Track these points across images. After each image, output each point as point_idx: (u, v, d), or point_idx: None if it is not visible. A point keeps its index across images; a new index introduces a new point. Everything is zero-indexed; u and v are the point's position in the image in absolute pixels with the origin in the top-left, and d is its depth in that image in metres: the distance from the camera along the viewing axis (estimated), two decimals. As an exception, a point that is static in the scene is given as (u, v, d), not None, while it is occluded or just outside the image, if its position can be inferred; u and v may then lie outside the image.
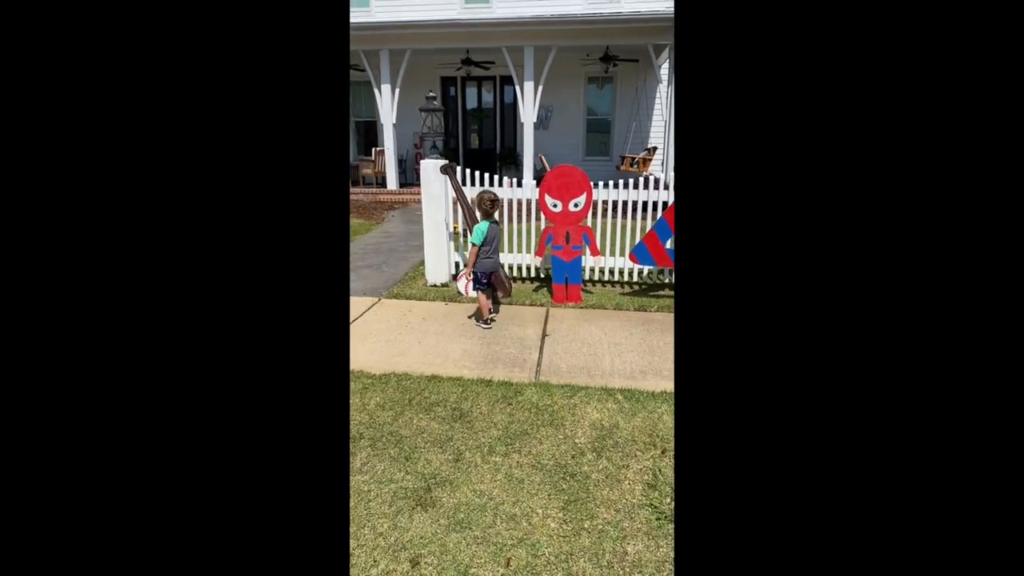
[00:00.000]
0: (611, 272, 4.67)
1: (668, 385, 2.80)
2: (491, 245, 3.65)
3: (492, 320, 3.70)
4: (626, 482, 2.04)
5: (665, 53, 8.90)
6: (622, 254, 4.54)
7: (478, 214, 3.73)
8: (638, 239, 4.33)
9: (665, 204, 4.33)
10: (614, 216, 4.51)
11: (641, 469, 2.12)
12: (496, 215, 3.71)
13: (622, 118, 10.53)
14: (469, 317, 3.85)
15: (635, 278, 4.63)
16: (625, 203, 4.45)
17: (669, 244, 4.15)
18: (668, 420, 2.46)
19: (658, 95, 9.59)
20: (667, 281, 4.53)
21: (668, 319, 3.80)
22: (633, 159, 9.01)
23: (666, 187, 4.40)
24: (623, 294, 4.36)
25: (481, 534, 1.78)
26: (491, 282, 3.75)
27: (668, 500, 1.93)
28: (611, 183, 4.39)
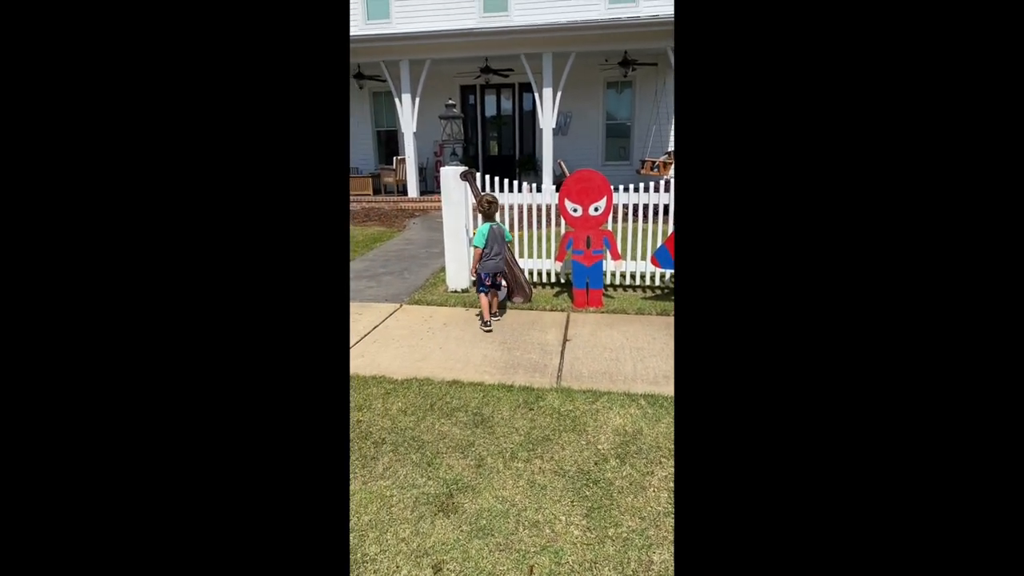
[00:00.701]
0: (632, 276, 4.63)
1: (692, 390, 2.75)
2: (491, 247, 3.67)
3: (496, 317, 3.72)
4: (651, 489, 2.00)
5: (685, 56, 8.83)
6: (643, 258, 4.50)
7: (479, 217, 3.74)
8: (659, 242, 4.28)
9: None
10: (635, 220, 4.48)
11: (666, 476, 2.08)
12: (497, 216, 3.76)
13: (641, 122, 10.46)
14: (477, 315, 3.94)
15: (657, 282, 4.58)
16: (646, 207, 4.41)
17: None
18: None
19: (678, 98, 9.49)
20: (690, 285, 4.47)
21: (691, 323, 3.75)
22: (653, 163, 8.93)
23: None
24: (645, 298, 4.31)
25: (504, 541, 1.76)
26: (495, 283, 3.78)
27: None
28: (631, 187, 4.36)
